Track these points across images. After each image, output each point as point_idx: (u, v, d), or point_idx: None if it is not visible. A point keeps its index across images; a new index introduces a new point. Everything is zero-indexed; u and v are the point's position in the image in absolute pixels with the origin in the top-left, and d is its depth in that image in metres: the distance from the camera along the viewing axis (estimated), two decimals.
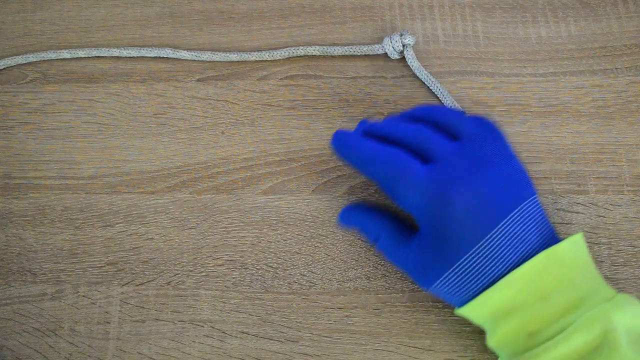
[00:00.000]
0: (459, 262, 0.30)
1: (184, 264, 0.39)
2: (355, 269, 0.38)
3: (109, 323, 0.37)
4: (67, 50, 0.44)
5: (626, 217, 0.39)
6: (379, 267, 0.38)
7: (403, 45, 0.43)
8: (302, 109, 0.43)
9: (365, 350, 0.36)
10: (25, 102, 0.44)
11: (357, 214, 0.36)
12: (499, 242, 0.30)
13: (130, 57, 0.45)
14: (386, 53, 0.44)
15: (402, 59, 0.44)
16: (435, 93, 0.43)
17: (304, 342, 0.37)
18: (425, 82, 0.43)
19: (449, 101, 0.42)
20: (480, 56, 0.44)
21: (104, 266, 0.39)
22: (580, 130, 0.41)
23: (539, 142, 0.41)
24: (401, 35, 0.42)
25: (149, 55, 0.44)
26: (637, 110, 0.42)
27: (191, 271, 0.39)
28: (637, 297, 0.37)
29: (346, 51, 0.44)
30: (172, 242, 0.39)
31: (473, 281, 0.31)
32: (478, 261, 0.30)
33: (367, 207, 0.36)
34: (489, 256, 0.30)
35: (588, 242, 0.38)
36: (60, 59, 0.45)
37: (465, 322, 0.37)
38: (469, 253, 0.30)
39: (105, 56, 0.44)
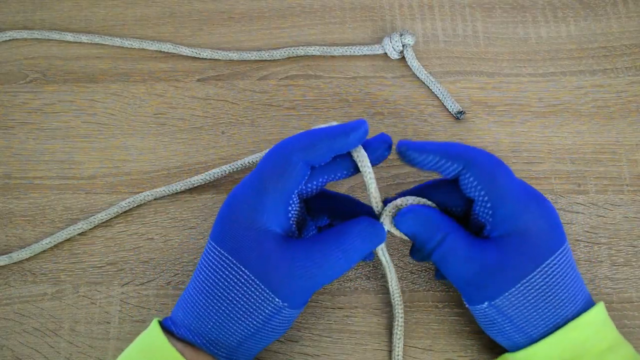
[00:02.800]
0: (537, 270, 0.30)
1: (184, 264, 0.39)
2: (355, 269, 0.38)
3: (109, 323, 0.37)
4: (71, 34, 0.44)
5: (626, 217, 0.39)
6: (379, 267, 0.38)
7: (403, 45, 0.43)
8: (302, 109, 0.43)
9: (365, 350, 0.36)
10: (25, 102, 0.44)
11: (422, 212, 0.31)
12: (562, 263, 0.30)
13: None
14: (386, 53, 0.44)
15: (402, 59, 0.44)
16: (435, 93, 0.43)
17: (304, 342, 0.37)
18: (425, 82, 0.43)
19: (448, 101, 0.42)
20: (480, 56, 0.44)
21: (104, 266, 0.39)
22: (580, 130, 0.41)
23: (539, 142, 0.41)
24: (401, 35, 0.42)
25: (150, 48, 0.44)
26: (637, 110, 0.42)
27: (191, 271, 0.39)
28: (637, 297, 0.37)
29: (346, 51, 0.44)
30: (172, 242, 0.39)
31: (543, 301, 0.30)
32: (552, 274, 0.30)
33: (428, 207, 0.32)
34: (560, 272, 0.30)
35: (588, 242, 0.38)
36: (65, 40, 0.45)
37: (465, 322, 0.37)
38: (548, 261, 0.30)
39: (107, 44, 0.45)
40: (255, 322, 0.30)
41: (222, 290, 0.30)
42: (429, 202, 0.32)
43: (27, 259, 0.39)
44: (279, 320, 0.30)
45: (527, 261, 0.30)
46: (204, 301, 0.30)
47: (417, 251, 0.35)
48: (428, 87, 0.43)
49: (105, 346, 0.37)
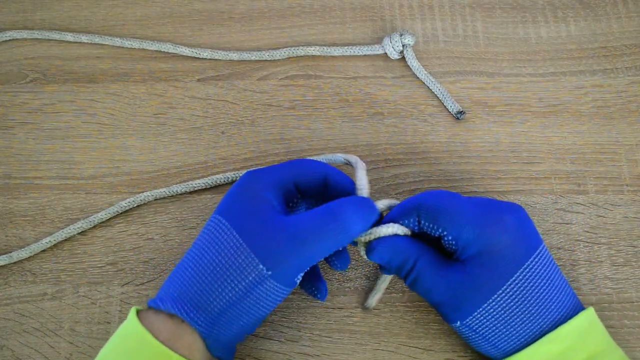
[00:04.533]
0: (504, 287, 0.30)
1: None
2: (356, 269, 0.38)
3: (109, 323, 0.37)
4: (71, 34, 0.44)
5: (626, 217, 0.39)
6: (378, 268, 0.38)
7: (403, 45, 0.43)
8: (302, 109, 0.43)
9: (365, 350, 0.36)
10: (25, 102, 0.44)
11: (390, 242, 0.32)
12: (533, 274, 0.30)
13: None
14: (386, 53, 0.44)
15: (402, 59, 0.44)
16: (435, 93, 0.43)
17: (304, 342, 0.37)
18: (425, 82, 0.43)
19: (448, 101, 0.42)
20: (480, 56, 0.44)
21: (104, 266, 0.39)
22: (580, 130, 0.41)
23: (539, 142, 0.41)
24: (401, 35, 0.42)
25: (150, 48, 0.44)
26: (637, 110, 0.42)
27: None
28: (637, 297, 0.37)
29: (346, 51, 0.44)
30: (172, 242, 0.39)
31: (513, 317, 0.30)
32: (520, 290, 0.30)
33: (398, 236, 0.33)
34: (528, 287, 0.30)
35: (588, 242, 0.38)
36: (65, 40, 0.45)
37: None
38: (514, 277, 0.30)
39: (107, 44, 0.45)
40: (237, 288, 0.29)
41: (211, 254, 0.30)
42: (401, 229, 0.32)
43: (27, 259, 0.39)
44: (263, 292, 0.30)
45: (493, 279, 0.30)
46: (192, 266, 0.30)
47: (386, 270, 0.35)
48: (428, 87, 0.43)
49: None
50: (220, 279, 0.29)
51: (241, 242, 0.29)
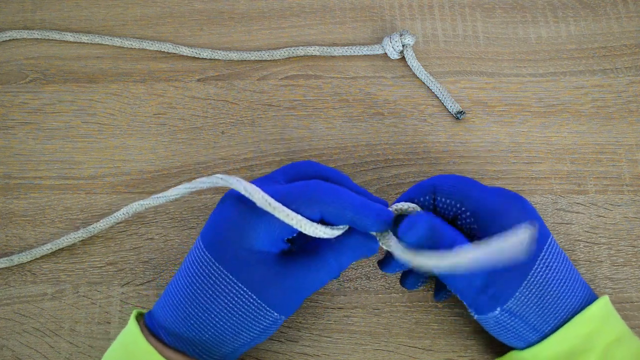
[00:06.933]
0: (536, 264, 0.30)
1: None
2: (355, 269, 0.38)
3: (109, 323, 0.37)
4: (71, 34, 0.44)
5: (626, 217, 0.39)
6: (378, 268, 0.38)
7: (403, 45, 0.43)
8: (302, 109, 0.43)
9: (365, 350, 0.36)
10: (25, 102, 0.44)
11: (427, 220, 0.30)
12: (554, 255, 0.31)
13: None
14: (386, 53, 0.44)
15: (402, 59, 0.44)
16: (435, 93, 0.43)
17: (304, 342, 0.37)
18: (425, 82, 0.43)
19: (448, 101, 0.42)
20: (480, 56, 0.44)
21: (104, 266, 0.39)
22: (580, 130, 0.41)
23: (539, 142, 0.41)
24: (401, 35, 0.42)
25: (150, 48, 0.44)
26: (637, 110, 0.42)
27: None
28: (637, 297, 0.37)
29: (346, 51, 0.44)
30: (172, 242, 0.39)
31: (547, 297, 0.30)
32: (549, 266, 0.30)
33: (431, 214, 0.31)
34: (555, 265, 0.30)
35: (588, 242, 0.38)
36: (65, 41, 0.45)
37: (465, 322, 0.37)
38: (541, 255, 0.30)
39: (107, 44, 0.45)
40: (252, 335, 0.30)
41: (221, 307, 0.30)
42: (418, 208, 0.32)
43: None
44: (274, 328, 0.31)
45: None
46: (201, 316, 0.30)
47: (410, 278, 0.35)
48: (428, 87, 0.43)
49: (106, 346, 0.37)
50: (235, 330, 0.30)
51: (249, 293, 0.29)
